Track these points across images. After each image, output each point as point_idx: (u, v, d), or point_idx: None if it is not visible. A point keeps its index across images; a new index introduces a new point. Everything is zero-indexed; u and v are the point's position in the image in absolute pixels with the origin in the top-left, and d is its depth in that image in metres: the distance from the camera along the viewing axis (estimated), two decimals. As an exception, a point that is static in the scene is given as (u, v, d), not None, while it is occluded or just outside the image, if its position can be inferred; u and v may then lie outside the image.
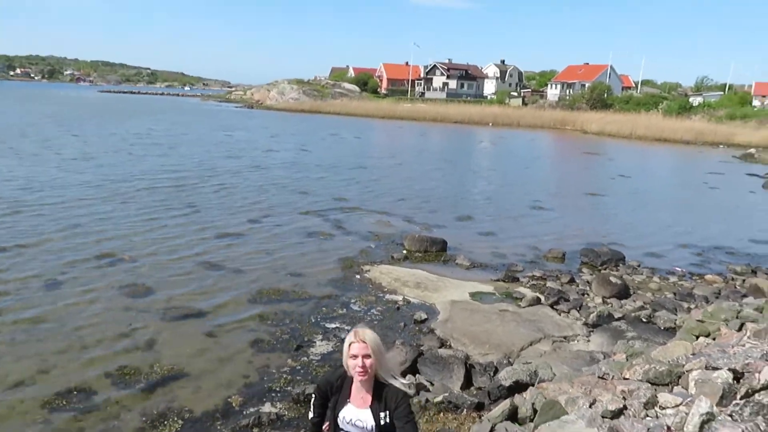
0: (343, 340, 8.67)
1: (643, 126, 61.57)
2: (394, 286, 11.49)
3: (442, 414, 6.68)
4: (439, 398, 6.99)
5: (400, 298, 10.89)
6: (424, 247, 14.36)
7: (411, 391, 3.58)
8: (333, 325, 9.44)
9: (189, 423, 6.54)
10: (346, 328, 9.32)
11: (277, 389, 7.37)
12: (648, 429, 4.61)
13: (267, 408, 6.90)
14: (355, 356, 3.25)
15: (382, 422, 3.27)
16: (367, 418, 3.31)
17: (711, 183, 30.40)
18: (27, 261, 11.70)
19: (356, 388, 3.36)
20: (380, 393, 3.30)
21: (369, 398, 3.32)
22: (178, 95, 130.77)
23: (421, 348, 8.37)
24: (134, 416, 6.64)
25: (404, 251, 14.23)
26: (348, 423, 3.37)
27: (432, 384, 7.54)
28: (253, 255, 13.07)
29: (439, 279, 12.05)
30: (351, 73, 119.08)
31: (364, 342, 3.25)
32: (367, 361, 3.23)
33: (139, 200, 18.05)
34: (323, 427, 3.50)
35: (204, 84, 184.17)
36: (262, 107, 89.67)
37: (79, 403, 6.81)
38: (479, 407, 6.85)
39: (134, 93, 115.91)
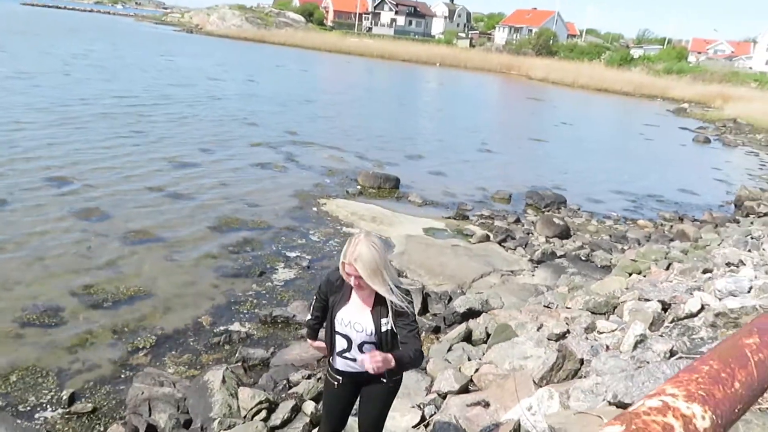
0: (304, 269, 9.21)
1: (586, 75, 63.04)
2: (351, 220, 11.84)
3: (402, 336, 7.20)
4: (399, 322, 7.51)
5: (357, 231, 11.26)
6: (378, 184, 14.71)
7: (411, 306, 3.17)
8: (294, 254, 9.74)
9: (162, 339, 6.79)
10: (306, 257, 9.67)
11: (245, 311, 7.68)
12: (591, 347, 5.25)
13: (236, 327, 7.23)
14: (348, 273, 3.05)
15: (383, 328, 3.06)
16: (366, 323, 3.10)
17: (647, 134, 31.92)
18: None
19: (357, 291, 3.14)
20: (382, 299, 3.05)
21: (371, 302, 3.10)
22: (109, 13, 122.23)
23: (380, 277, 8.83)
24: (106, 332, 6.82)
25: (358, 187, 14.52)
26: (346, 325, 3.15)
27: (391, 310, 8.04)
28: (208, 185, 13.04)
29: (394, 215, 12.48)
30: (296, 2, 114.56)
31: (353, 266, 2.97)
32: (361, 281, 2.99)
33: (87, 125, 17.31)
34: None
35: (137, 3, 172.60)
36: (202, 32, 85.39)
37: (49, 320, 6.92)
38: (436, 330, 7.43)
39: (60, 8, 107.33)
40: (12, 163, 12.70)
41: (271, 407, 5.20)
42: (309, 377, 5.85)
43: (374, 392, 3.32)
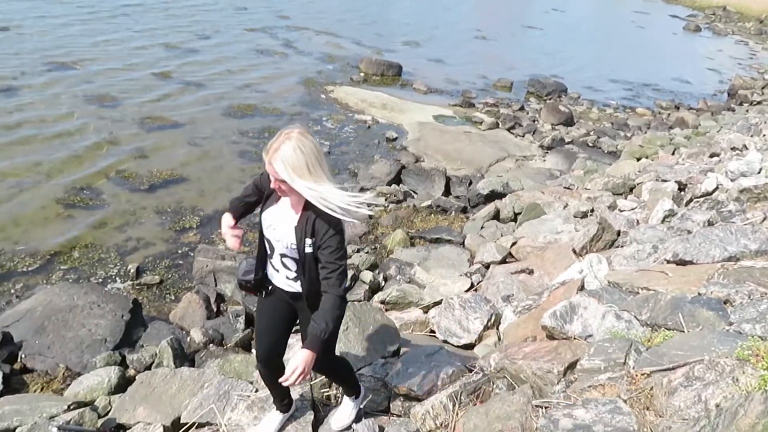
0: (325, 155, 9.37)
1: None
2: (361, 107, 11.87)
3: (433, 215, 7.61)
4: (428, 203, 7.89)
5: (369, 117, 11.35)
6: (381, 71, 14.57)
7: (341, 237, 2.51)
8: (312, 140, 9.86)
9: (205, 219, 7.08)
10: (325, 143, 9.82)
11: (277, 194, 7.93)
12: (627, 220, 5.69)
13: (273, 209, 7.51)
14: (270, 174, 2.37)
15: (307, 249, 2.43)
16: (288, 233, 2.48)
17: (637, 22, 31.47)
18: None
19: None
20: (310, 214, 2.42)
21: (299, 210, 2.47)
22: None
23: (401, 162, 9.10)
24: (150, 213, 7.07)
25: (361, 74, 14.38)
26: (268, 227, 2.57)
27: (416, 193, 8.40)
28: (211, 70, 12.77)
29: (402, 102, 12.53)
30: None
31: (271, 166, 2.31)
32: (284, 186, 2.34)
33: (71, 5, 16.44)
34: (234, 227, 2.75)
35: None
36: None
37: (92, 202, 7.10)
38: (464, 210, 7.84)
39: None
40: (17, 48, 12.21)
41: (332, 277, 5.60)
42: (358, 251, 6.25)
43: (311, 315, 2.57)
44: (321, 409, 3.37)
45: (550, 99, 14.49)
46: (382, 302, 5.14)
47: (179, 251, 6.37)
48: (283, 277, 2.68)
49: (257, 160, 8.84)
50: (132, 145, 8.69)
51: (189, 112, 10.23)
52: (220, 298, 5.53)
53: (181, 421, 3.47)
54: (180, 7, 19.07)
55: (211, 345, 4.76)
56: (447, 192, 8.48)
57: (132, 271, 5.85)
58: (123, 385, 4.17)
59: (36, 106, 9.48)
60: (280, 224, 2.53)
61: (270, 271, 2.73)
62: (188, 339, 4.87)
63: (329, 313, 2.43)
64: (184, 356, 4.63)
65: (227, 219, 2.80)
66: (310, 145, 2.34)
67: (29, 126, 8.78)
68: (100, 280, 5.74)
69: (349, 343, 3.74)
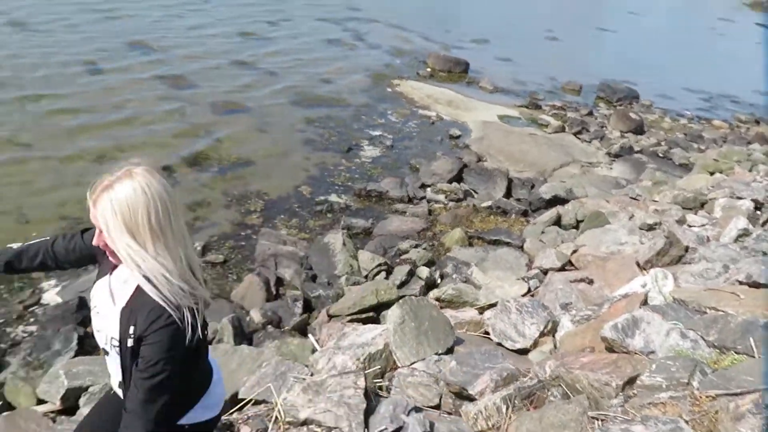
0: (388, 148, 9.48)
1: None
2: (427, 102, 11.88)
3: (492, 216, 7.56)
4: (488, 203, 7.85)
5: (434, 113, 11.35)
6: (448, 67, 14.51)
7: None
8: (376, 133, 9.96)
9: (269, 204, 7.28)
10: (389, 136, 9.89)
11: (339, 184, 8.07)
12: (696, 236, 5.50)
13: (334, 198, 7.65)
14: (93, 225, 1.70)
15: (129, 342, 1.67)
16: (110, 319, 1.75)
17: (720, 29, 30.05)
18: (62, 46, 11.50)
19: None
20: (142, 294, 1.67)
21: (130, 290, 1.72)
22: None
23: (463, 160, 9.06)
24: (216, 194, 7.33)
25: (428, 69, 14.37)
26: (94, 311, 1.84)
27: (477, 192, 8.35)
28: (282, 59, 13.05)
29: (468, 99, 12.45)
30: None
31: (94, 210, 1.64)
32: (107, 239, 1.65)
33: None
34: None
35: None
36: None
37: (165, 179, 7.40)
38: (524, 214, 7.75)
39: None
40: (92, 24, 12.85)
41: (389, 269, 5.68)
42: (416, 246, 6.29)
43: None
44: (373, 398, 3.44)
45: (620, 105, 14.07)
46: (438, 299, 5.17)
47: (243, 233, 6.59)
48: (116, 384, 1.92)
49: (322, 150, 9.02)
50: (204, 128, 9.00)
51: (259, 99, 10.50)
52: (280, 281, 5.69)
53: (239, 397, 3.61)
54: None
55: (269, 326, 4.92)
56: (508, 194, 8.40)
57: (198, 248, 6.08)
58: (185, 357, 4.36)
59: (121, 88, 9.95)
60: (102, 307, 1.80)
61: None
62: (247, 319, 5.04)
63: None
64: (243, 335, 4.80)
65: None
66: (159, 190, 1.63)
67: (107, 106, 9.24)
68: (168, 255, 5.99)
69: (405, 336, 3.79)
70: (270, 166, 8.20)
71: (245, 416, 3.36)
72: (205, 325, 1.80)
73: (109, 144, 8.05)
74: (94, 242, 1.72)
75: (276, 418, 3.29)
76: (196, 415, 1.92)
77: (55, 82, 9.63)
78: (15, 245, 2.03)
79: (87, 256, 1.97)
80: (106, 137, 8.21)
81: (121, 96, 9.56)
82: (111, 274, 1.82)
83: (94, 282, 1.89)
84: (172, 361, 1.67)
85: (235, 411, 3.47)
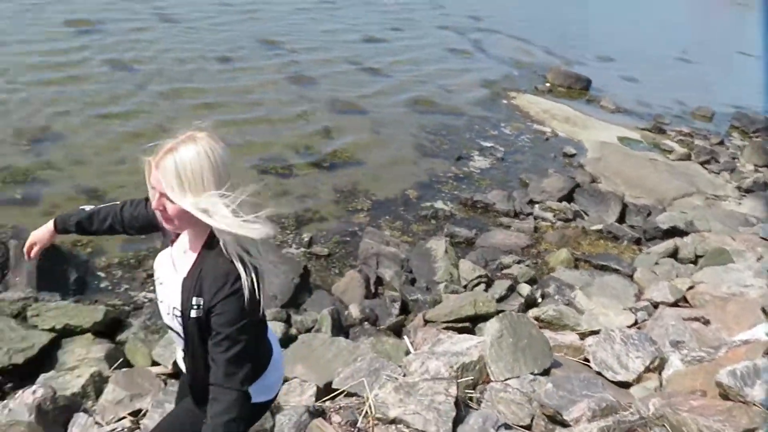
0: (499, 160, 9.36)
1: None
2: (542, 118, 11.60)
3: (602, 241, 7.26)
4: (599, 227, 7.54)
5: (549, 129, 11.06)
6: (568, 83, 14.08)
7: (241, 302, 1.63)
8: (488, 144, 9.87)
9: (376, 204, 7.44)
10: (500, 148, 9.77)
11: (446, 191, 8.08)
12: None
13: (440, 205, 7.68)
14: (153, 187, 1.69)
15: (193, 313, 1.68)
16: (173, 290, 1.76)
17: None
18: (204, 43, 12.41)
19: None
20: (205, 262, 1.70)
21: (191, 261, 1.74)
22: None
23: (576, 180, 8.76)
24: (328, 189, 7.59)
25: (547, 84, 14.02)
26: (157, 282, 1.86)
27: (587, 214, 8.05)
28: (403, 64, 13.27)
29: (587, 118, 12.02)
30: None
31: (157, 173, 1.64)
32: (166, 203, 1.65)
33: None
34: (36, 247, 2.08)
35: None
36: None
37: (282, 170, 7.82)
38: (637, 242, 7.36)
39: None
40: (222, 14, 13.77)
41: (489, 282, 5.62)
42: (519, 262, 6.17)
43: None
44: (463, 408, 3.43)
45: (757, 137, 12.97)
46: (536, 319, 5.05)
47: (348, 230, 6.78)
48: (179, 357, 1.95)
49: (431, 155, 9.08)
50: (321, 125, 9.35)
51: (377, 103, 10.74)
52: (379, 281, 5.80)
53: (332, 386, 3.73)
54: (378, 2, 20.01)
55: (365, 323, 5.03)
56: (621, 219, 8.01)
57: (306, 240, 6.34)
58: (284, 340, 4.56)
59: (251, 84, 10.56)
60: (166, 278, 1.80)
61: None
62: (346, 313, 5.18)
63: (218, 421, 1.61)
64: (341, 328, 4.94)
65: (42, 231, 2.07)
66: (222, 155, 1.65)
67: (235, 95, 9.85)
68: (278, 242, 6.30)
69: (501, 351, 3.74)
70: (380, 168, 8.37)
71: (337, 406, 3.47)
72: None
73: (234, 127, 8.57)
74: (153, 206, 1.69)
75: (366, 412, 3.36)
76: (256, 395, 1.79)
77: (196, 76, 10.39)
78: (87, 207, 2.10)
79: (150, 224, 1.97)
80: (231, 125, 8.75)
81: (251, 91, 10.16)
82: (172, 245, 1.84)
83: (160, 249, 1.90)
84: (245, 330, 1.65)
85: (327, 399, 3.59)
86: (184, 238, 1.78)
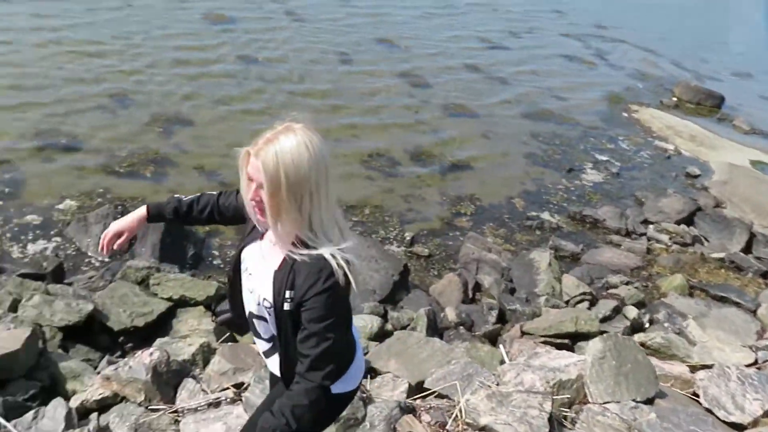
0: (613, 175, 8.94)
1: None
2: (666, 134, 10.94)
3: (723, 270, 6.74)
4: (720, 255, 7.00)
5: (671, 147, 10.41)
6: (698, 99, 13.15)
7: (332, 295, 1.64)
8: (603, 157, 9.46)
9: (480, 209, 7.37)
10: (616, 163, 9.33)
11: (554, 203, 7.85)
12: None
13: (546, 216, 7.47)
14: (249, 179, 1.67)
15: (286, 306, 1.68)
16: (263, 283, 1.76)
17: None
18: (324, 37, 12.89)
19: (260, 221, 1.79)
20: (297, 256, 1.68)
21: (282, 254, 1.73)
22: None
23: (698, 203, 8.18)
24: (433, 191, 7.62)
25: (674, 99, 13.18)
26: (246, 273, 1.87)
27: (708, 240, 7.49)
28: (517, 69, 13.01)
29: (716, 138, 11.18)
30: None
31: (256, 164, 1.62)
32: (263, 195, 1.63)
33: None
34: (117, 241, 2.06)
35: None
36: None
37: (388, 168, 7.95)
38: (764, 275, 6.76)
39: None
40: (348, 18, 14.18)
41: (593, 300, 5.40)
42: (627, 283, 5.88)
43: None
44: (556, 426, 3.32)
45: None
46: (642, 344, 4.77)
47: (450, 233, 6.77)
48: (261, 351, 1.97)
49: (542, 165, 8.85)
50: (431, 126, 9.40)
51: (488, 106, 10.63)
52: (478, 286, 5.74)
53: (424, 386, 3.75)
54: (500, 6, 19.77)
55: (461, 327, 5.00)
56: (747, 249, 7.37)
57: (408, 238, 6.41)
58: (380, 335, 4.64)
59: (365, 80, 10.84)
60: (258, 269, 1.79)
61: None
62: (442, 315, 5.18)
63: (293, 405, 1.63)
64: (435, 329, 4.94)
65: (131, 218, 2.04)
66: (320, 147, 1.62)
67: (350, 93, 10.12)
68: (380, 238, 6.42)
69: (603, 373, 3.58)
70: (487, 173, 8.27)
71: (427, 405, 3.48)
72: None
73: (344, 123, 8.80)
74: (249, 197, 1.66)
75: (456, 416, 3.35)
76: (339, 386, 1.81)
77: (317, 74, 10.79)
78: (184, 197, 2.10)
79: (240, 216, 1.97)
80: (343, 121, 9.02)
81: (367, 89, 10.40)
82: (262, 238, 1.83)
83: (244, 243, 1.89)
84: (334, 327, 1.65)
85: (418, 397, 3.61)
86: (271, 231, 1.76)
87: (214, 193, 2.10)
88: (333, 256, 1.63)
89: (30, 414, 3.15)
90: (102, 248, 2.02)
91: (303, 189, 1.59)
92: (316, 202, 1.61)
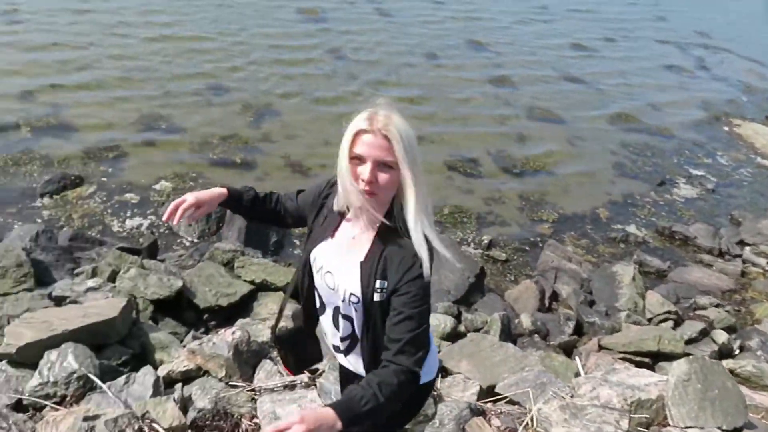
0: (708, 191, 8.46)
1: None
2: (770, 151, 10.23)
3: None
4: (825, 284, 6.47)
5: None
6: (809, 115, 12.21)
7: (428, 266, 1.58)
8: (697, 172, 8.98)
9: (562, 218, 7.19)
10: (712, 179, 8.83)
11: (641, 216, 7.53)
12: None
13: (632, 229, 7.18)
14: (361, 159, 1.59)
15: (376, 296, 1.64)
16: (349, 279, 1.71)
17: None
18: (412, 33, 12.97)
19: (351, 218, 1.77)
20: (385, 245, 1.66)
21: (366, 245, 1.70)
22: None
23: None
24: (514, 195, 7.51)
25: (782, 113, 12.30)
26: (318, 271, 1.81)
27: (812, 266, 6.95)
28: (611, 76, 12.56)
29: (828, 157, 10.34)
30: None
31: (385, 137, 1.56)
32: (384, 177, 1.59)
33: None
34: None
35: None
36: None
37: (470, 170, 7.91)
38: None
39: None
40: (440, 23, 14.17)
41: (678, 320, 5.15)
42: (717, 306, 5.56)
43: None
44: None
45: None
46: (731, 371, 4.50)
47: (530, 239, 6.64)
48: (334, 347, 1.93)
49: (630, 177, 8.53)
50: (516, 130, 9.26)
51: (577, 113, 10.32)
52: (555, 295, 5.61)
53: (495, 390, 3.71)
54: (591, 8, 19.12)
55: (535, 335, 4.90)
56: None
57: (485, 241, 6.35)
58: (452, 335, 4.63)
59: (449, 79, 10.84)
60: (335, 267, 1.75)
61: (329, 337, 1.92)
62: (516, 321, 5.10)
63: (381, 381, 1.54)
64: (508, 334, 4.87)
65: (212, 194, 1.90)
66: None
67: (437, 92, 10.13)
68: (458, 239, 6.39)
69: (686, 396, 3.41)
70: (572, 181, 8.05)
71: (498, 410, 3.45)
72: None
73: (432, 132, 8.80)
74: (368, 177, 1.57)
75: (527, 423, 3.30)
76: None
77: (404, 69, 10.93)
78: (253, 190, 2.01)
79: (299, 217, 1.97)
80: (426, 118, 9.04)
81: (452, 88, 10.40)
82: (333, 236, 1.78)
83: (311, 245, 1.82)
84: (426, 314, 1.63)
85: (489, 401, 3.58)
86: (355, 223, 1.74)
87: (275, 192, 2.06)
88: (428, 240, 1.62)
89: (122, 378, 3.37)
90: (170, 213, 1.81)
91: (419, 165, 1.60)
92: (422, 179, 1.61)
